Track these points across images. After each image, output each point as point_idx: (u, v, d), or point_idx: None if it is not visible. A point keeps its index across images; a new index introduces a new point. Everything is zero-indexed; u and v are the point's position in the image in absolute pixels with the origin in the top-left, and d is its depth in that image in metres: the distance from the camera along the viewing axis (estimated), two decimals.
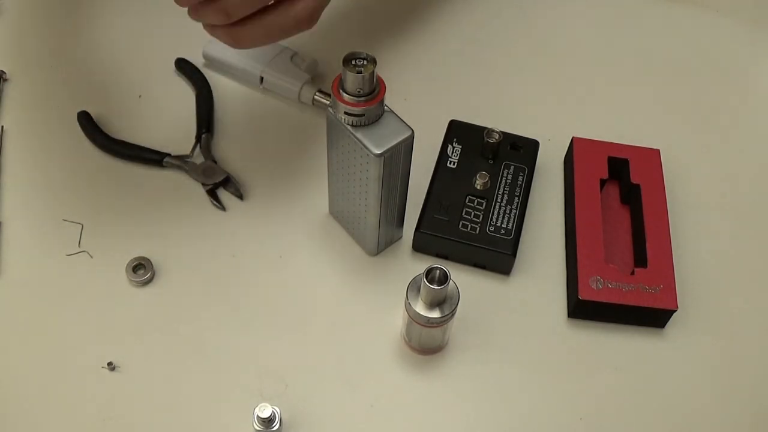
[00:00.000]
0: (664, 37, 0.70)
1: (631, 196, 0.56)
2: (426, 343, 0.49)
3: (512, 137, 0.57)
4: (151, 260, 0.52)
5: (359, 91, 0.44)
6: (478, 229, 0.52)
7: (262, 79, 0.62)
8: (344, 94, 0.44)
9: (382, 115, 0.46)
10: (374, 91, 0.44)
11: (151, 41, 0.66)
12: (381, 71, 0.45)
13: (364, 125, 0.45)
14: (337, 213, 0.55)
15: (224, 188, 0.57)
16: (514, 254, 0.52)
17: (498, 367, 0.50)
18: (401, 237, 0.54)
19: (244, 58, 0.62)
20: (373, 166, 0.46)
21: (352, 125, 0.45)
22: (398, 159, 0.47)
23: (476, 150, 0.56)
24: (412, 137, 0.46)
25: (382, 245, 0.54)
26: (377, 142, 0.45)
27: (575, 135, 0.58)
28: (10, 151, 0.58)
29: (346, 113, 0.45)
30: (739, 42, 0.69)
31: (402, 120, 0.46)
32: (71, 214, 0.55)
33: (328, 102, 0.58)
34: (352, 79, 0.43)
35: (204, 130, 0.59)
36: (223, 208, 0.56)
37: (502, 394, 0.49)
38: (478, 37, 0.68)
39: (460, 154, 0.56)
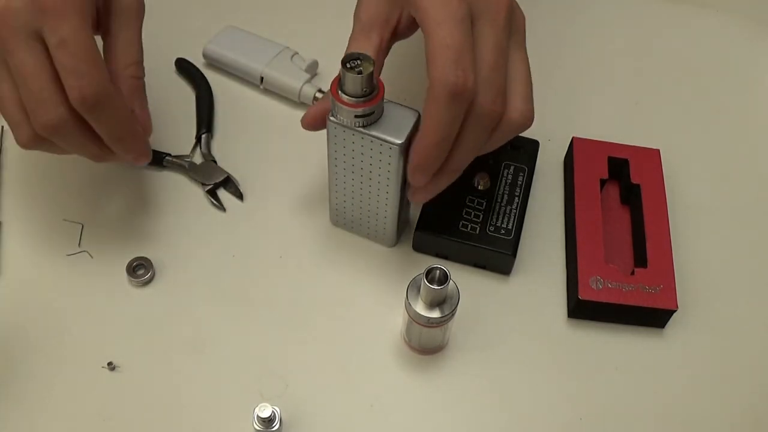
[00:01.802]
0: (664, 37, 0.70)
1: (631, 196, 0.56)
2: (426, 343, 0.49)
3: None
4: (151, 260, 0.52)
5: (364, 91, 0.44)
6: (478, 229, 0.52)
7: (262, 79, 0.62)
8: (349, 98, 0.44)
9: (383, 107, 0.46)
10: (375, 87, 0.45)
11: (151, 41, 0.66)
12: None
13: (374, 122, 0.46)
14: (340, 220, 0.54)
15: (224, 188, 0.57)
16: (514, 254, 0.52)
17: (498, 367, 0.50)
18: (409, 220, 0.55)
19: (244, 58, 0.62)
20: (394, 158, 0.46)
21: (363, 126, 0.45)
22: (410, 142, 0.47)
23: None
24: (419, 117, 0.46)
25: (399, 234, 0.54)
26: (394, 133, 0.46)
27: (575, 135, 0.58)
28: (10, 151, 0.58)
29: (356, 116, 0.45)
30: (740, 41, 0.69)
31: (402, 104, 0.47)
32: (71, 214, 0.55)
33: None
34: (354, 81, 0.43)
35: (204, 130, 0.59)
36: (223, 208, 0.56)
37: (502, 394, 0.49)
38: None
39: None
